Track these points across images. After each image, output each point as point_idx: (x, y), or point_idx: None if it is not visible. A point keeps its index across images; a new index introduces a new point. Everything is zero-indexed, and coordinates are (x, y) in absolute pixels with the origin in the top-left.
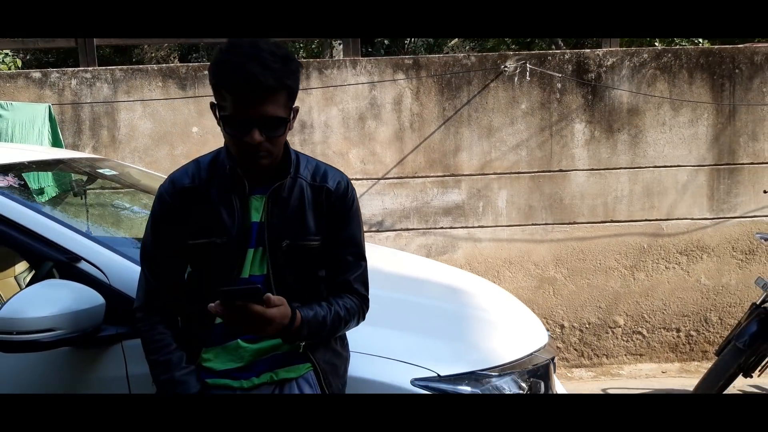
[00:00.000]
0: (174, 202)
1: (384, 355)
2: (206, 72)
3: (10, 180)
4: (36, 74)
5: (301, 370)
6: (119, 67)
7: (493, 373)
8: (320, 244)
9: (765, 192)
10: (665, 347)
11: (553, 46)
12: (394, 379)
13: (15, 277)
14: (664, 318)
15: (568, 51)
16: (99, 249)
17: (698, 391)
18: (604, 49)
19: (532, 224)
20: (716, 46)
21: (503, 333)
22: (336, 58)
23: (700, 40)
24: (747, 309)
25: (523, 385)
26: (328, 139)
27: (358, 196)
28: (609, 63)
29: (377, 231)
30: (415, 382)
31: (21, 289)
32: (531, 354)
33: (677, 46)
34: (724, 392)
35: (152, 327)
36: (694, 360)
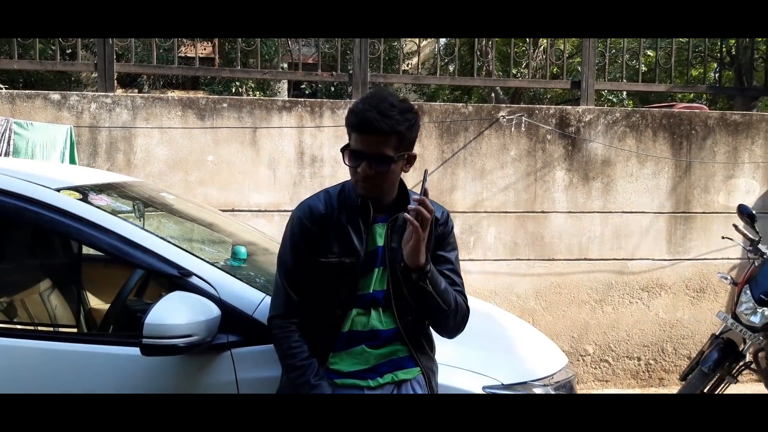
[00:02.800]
0: (312, 226)
1: (460, 366)
2: (224, 104)
3: (105, 198)
4: (55, 96)
5: (414, 373)
6: (140, 94)
7: (537, 384)
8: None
9: (723, 238)
10: (627, 374)
11: (493, 94)
12: (469, 386)
13: (39, 294)
14: (627, 348)
15: (552, 107)
16: (206, 266)
17: None
18: (583, 107)
19: (517, 259)
20: (677, 110)
21: (538, 352)
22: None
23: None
24: (708, 339)
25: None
26: (336, 173)
27: None
28: (587, 119)
29: None
30: (485, 388)
31: (45, 306)
32: (558, 371)
33: (644, 108)
34: None
35: (289, 334)
36: (651, 386)
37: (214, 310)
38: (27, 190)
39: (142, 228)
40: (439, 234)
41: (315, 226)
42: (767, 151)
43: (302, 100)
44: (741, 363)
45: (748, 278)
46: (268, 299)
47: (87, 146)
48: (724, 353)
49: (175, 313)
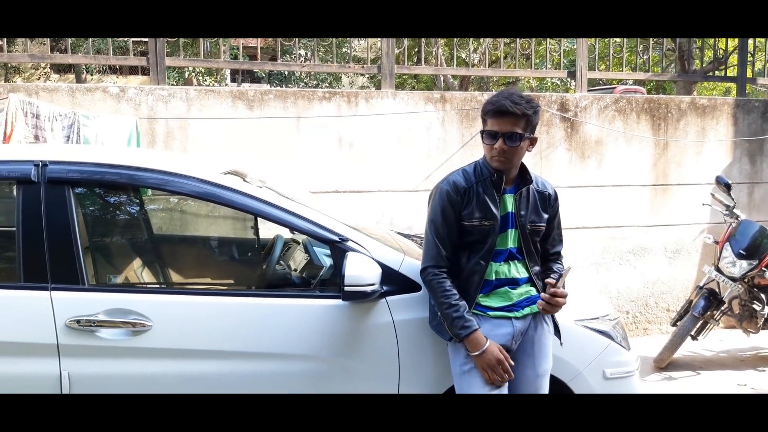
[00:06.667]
0: (457, 196)
1: None
2: (271, 96)
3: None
4: (114, 89)
5: None
6: (194, 87)
7: (606, 318)
8: (544, 227)
9: (703, 204)
10: None
11: (442, 78)
12: (565, 320)
13: (134, 271)
14: (618, 303)
15: (554, 94)
16: (355, 232)
17: (664, 351)
18: (579, 94)
19: None
20: (656, 96)
21: (596, 296)
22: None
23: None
24: (693, 289)
25: (613, 329)
26: (367, 154)
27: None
28: (583, 104)
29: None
30: (576, 321)
31: (139, 281)
32: (611, 311)
33: (630, 95)
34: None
35: (442, 280)
36: (638, 336)
37: (378, 266)
38: (206, 175)
39: (301, 204)
40: (552, 206)
41: (459, 196)
42: (729, 130)
43: (340, 90)
44: (721, 309)
45: (727, 237)
46: (407, 258)
47: (146, 136)
48: (709, 301)
49: (361, 268)
